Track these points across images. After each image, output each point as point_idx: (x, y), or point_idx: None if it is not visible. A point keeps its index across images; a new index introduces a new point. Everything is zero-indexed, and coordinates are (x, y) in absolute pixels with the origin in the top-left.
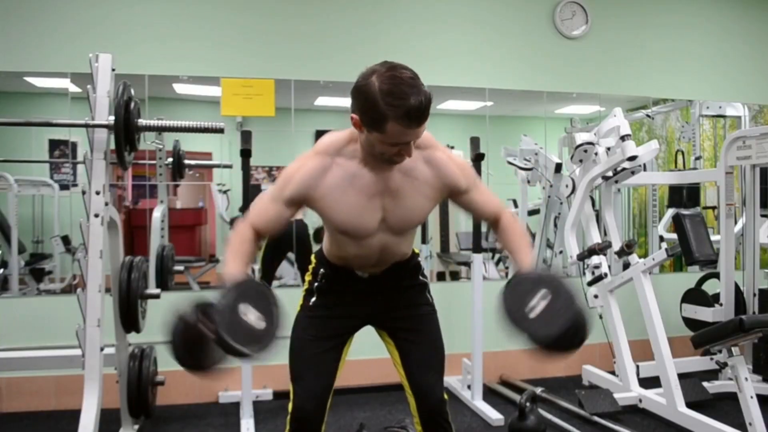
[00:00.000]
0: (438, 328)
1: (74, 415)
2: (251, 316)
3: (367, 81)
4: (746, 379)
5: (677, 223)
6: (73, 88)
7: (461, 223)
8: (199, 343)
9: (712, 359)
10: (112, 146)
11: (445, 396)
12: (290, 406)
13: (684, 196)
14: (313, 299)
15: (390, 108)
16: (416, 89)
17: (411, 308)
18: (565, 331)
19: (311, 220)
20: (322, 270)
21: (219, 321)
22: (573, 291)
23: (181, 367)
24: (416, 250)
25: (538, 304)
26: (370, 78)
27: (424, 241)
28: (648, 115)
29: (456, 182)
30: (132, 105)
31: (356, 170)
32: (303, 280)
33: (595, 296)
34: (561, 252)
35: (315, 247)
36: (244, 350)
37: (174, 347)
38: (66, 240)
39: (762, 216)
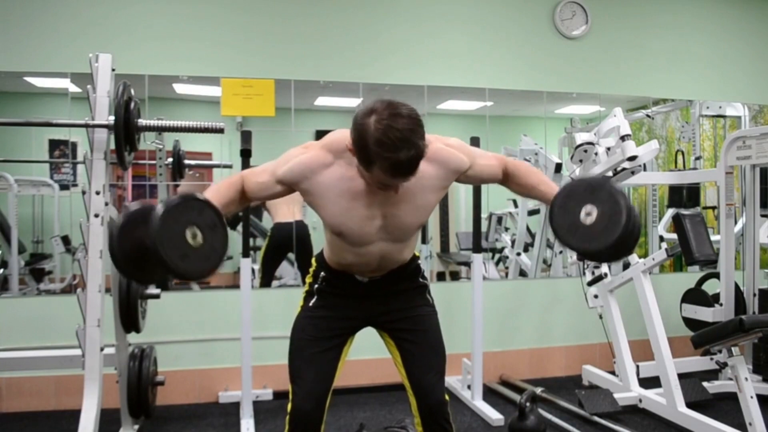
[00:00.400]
0: (438, 328)
1: (74, 415)
2: (191, 231)
3: (364, 120)
4: (746, 379)
5: (677, 223)
6: (73, 88)
7: (461, 223)
8: (139, 250)
9: (712, 359)
10: (112, 146)
11: (446, 397)
12: (289, 406)
13: (684, 196)
14: (314, 300)
15: (378, 157)
16: (409, 143)
17: (411, 309)
18: (619, 239)
19: (311, 220)
20: (322, 273)
21: (157, 227)
22: (614, 191)
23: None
24: (416, 253)
25: (586, 217)
26: (369, 117)
27: (424, 241)
28: (648, 115)
29: (462, 164)
30: (132, 105)
31: (355, 175)
32: (303, 282)
33: (595, 296)
34: (561, 252)
35: (315, 249)
36: (173, 265)
37: (112, 251)
38: (66, 240)
39: (762, 216)
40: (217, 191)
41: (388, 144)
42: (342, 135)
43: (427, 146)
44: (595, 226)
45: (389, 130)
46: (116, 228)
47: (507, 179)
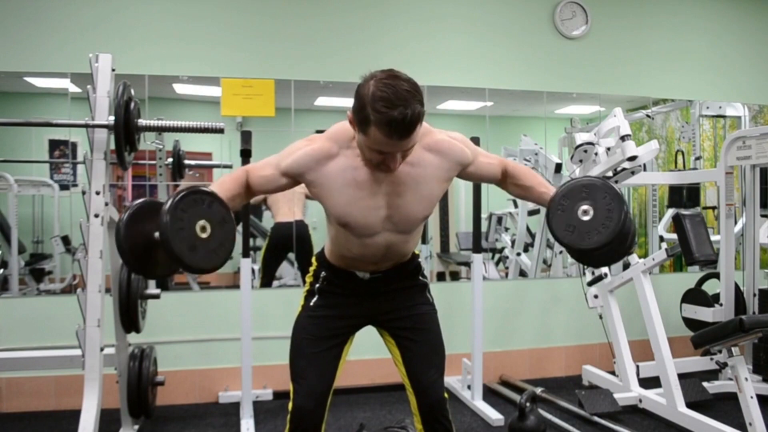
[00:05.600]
0: (438, 327)
1: (74, 415)
2: (201, 225)
3: (364, 84)
4: (746, 379)
5: (677, 223)
6: (73, 88)
7: (461, 223)
8: (146, 244)
9: (712, 359)
10: (112, 146)
11: (446, 395)
12: (290, 405)
13: (684, 196)
14: (314, 300)
15: (374, 113)
16: (406, 102)
17: (411, 308)
18: (614, 235)
19: (311, 220)
20: (323, 272)
21: (167, 216)
22: (609, 190)
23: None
24: (416, 252)
25: (583, 216)
26: (370, 80)
27: (424, 241)
28: (648, 115)
29: (465, 158)
30: (132, 105)
31: (360, 164)
32: (304, 282)
33: (595, 296)
34: (561, 252)
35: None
36: (183, 257)
37: (120, 246)
38: (66, 240)
39: (762, 216)
40: (222, 185)
41: (386, 99)
42: (345, 125)
43: (425, 112)
44: (592, 224)
45: (387, 87)
46: (123, 220)
47: (505, 180)
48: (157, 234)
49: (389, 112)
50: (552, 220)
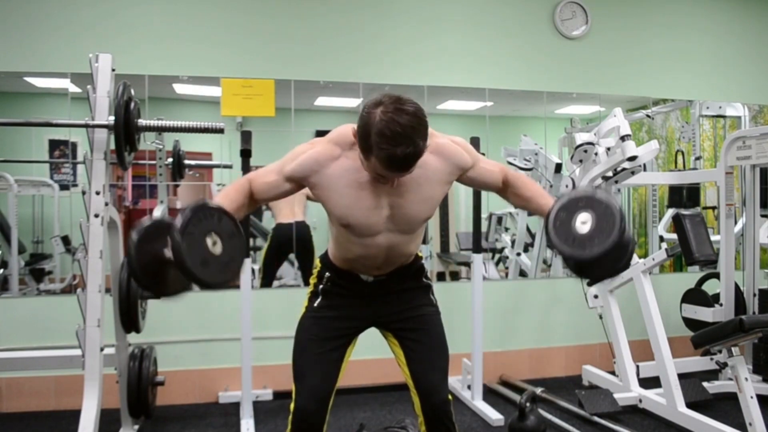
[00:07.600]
0: (442, 328)
1: (74, 415)
2: (211, 239)
3: (370, 111)
4: (746, 379)
5: (677, 223)
6: (73, 88)
7: (461, 223)
8: (157, 262)
9: (712, 359)
10: (112, 146)
11: (450, 397)
12: (292, 405)
13: (684, 196)
14: (318, 301)
15: (377, 148)
16: (408, 139)
17: (415, 309)
18: (609, 250)
19: (311, 221)
20: (327, 273)
21: (178, 239)
22: (608, 201)
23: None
24: (420, 254)
25: (582, 226)
26: (375, 108)
27: (424, 241)
28: (648, 115)
29: (465, 162)
30: (132, 105)
31: (362, 166)
32: (305, 282)
33: (595, 296)
34: None
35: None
36: (197, 274)
37: (131, 266)
38: (66, 240)
39: (762, 216)
40: (227, 197)
41: (388, 136)
42: (348, 128)
43: (426, 146)
44: (590, 234)
45: (391, 123)
46: (133, 241)
47: (506, 188)
48: (168, 253)
49: (391, 150)
50: (550, 230)
